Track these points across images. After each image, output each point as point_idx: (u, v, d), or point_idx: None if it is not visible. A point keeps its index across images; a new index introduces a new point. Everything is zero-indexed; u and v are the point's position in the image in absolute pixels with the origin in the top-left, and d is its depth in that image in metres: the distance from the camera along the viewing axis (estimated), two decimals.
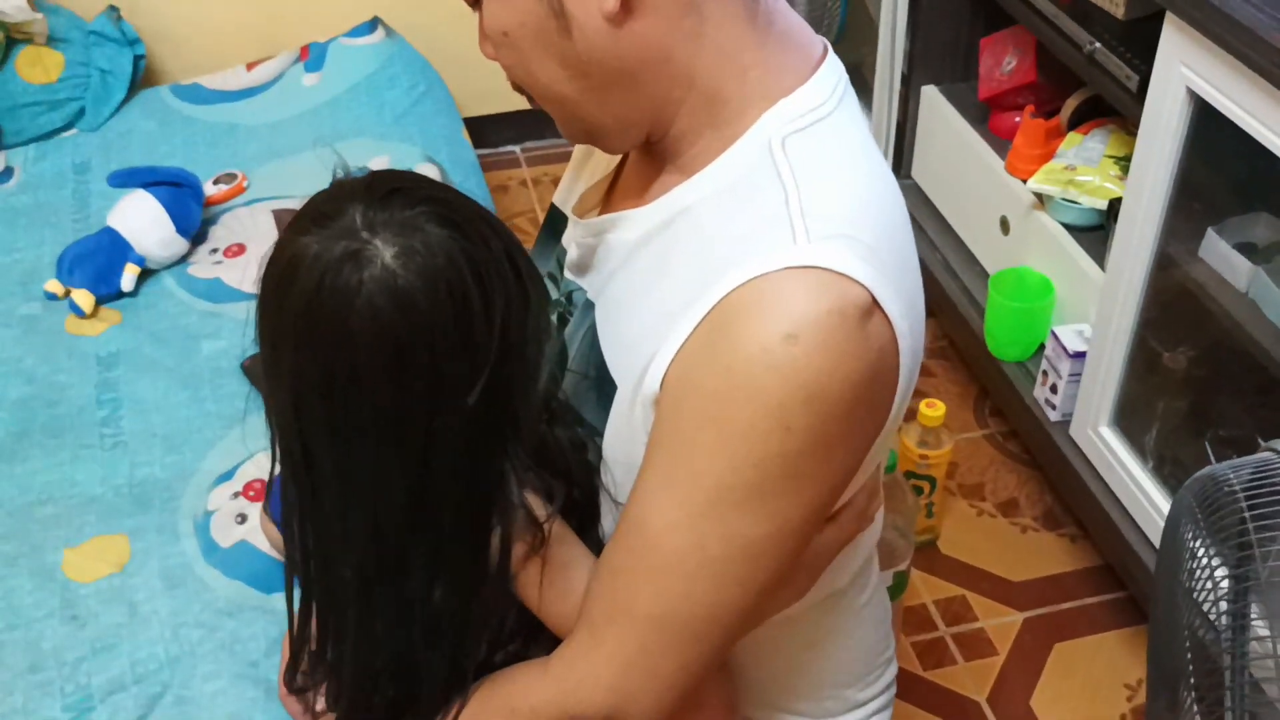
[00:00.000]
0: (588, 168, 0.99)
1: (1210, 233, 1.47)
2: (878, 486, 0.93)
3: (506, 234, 0.80)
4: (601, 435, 0.86)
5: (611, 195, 0.94)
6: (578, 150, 1.01)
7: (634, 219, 0.86)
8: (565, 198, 1.00)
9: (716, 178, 0.81)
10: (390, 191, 0.77)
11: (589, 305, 0.90)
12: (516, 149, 2.85)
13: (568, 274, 0.94)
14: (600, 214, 0.92)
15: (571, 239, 0.93)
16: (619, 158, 0.94)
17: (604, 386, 0.86)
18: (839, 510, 0.87)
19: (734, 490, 0.76)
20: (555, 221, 1.00)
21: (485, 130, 2.72)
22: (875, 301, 0.74)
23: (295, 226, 0.77)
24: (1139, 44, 1.53)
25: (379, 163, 2.08)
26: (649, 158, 0.86)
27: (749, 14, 0.79)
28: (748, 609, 0.82)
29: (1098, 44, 1.60)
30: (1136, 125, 1.48)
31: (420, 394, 0.75)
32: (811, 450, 0.75)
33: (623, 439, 0.83)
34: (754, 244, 0.76)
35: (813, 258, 0.73)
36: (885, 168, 0.84)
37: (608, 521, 0.89)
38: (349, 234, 0.74)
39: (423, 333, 0.74)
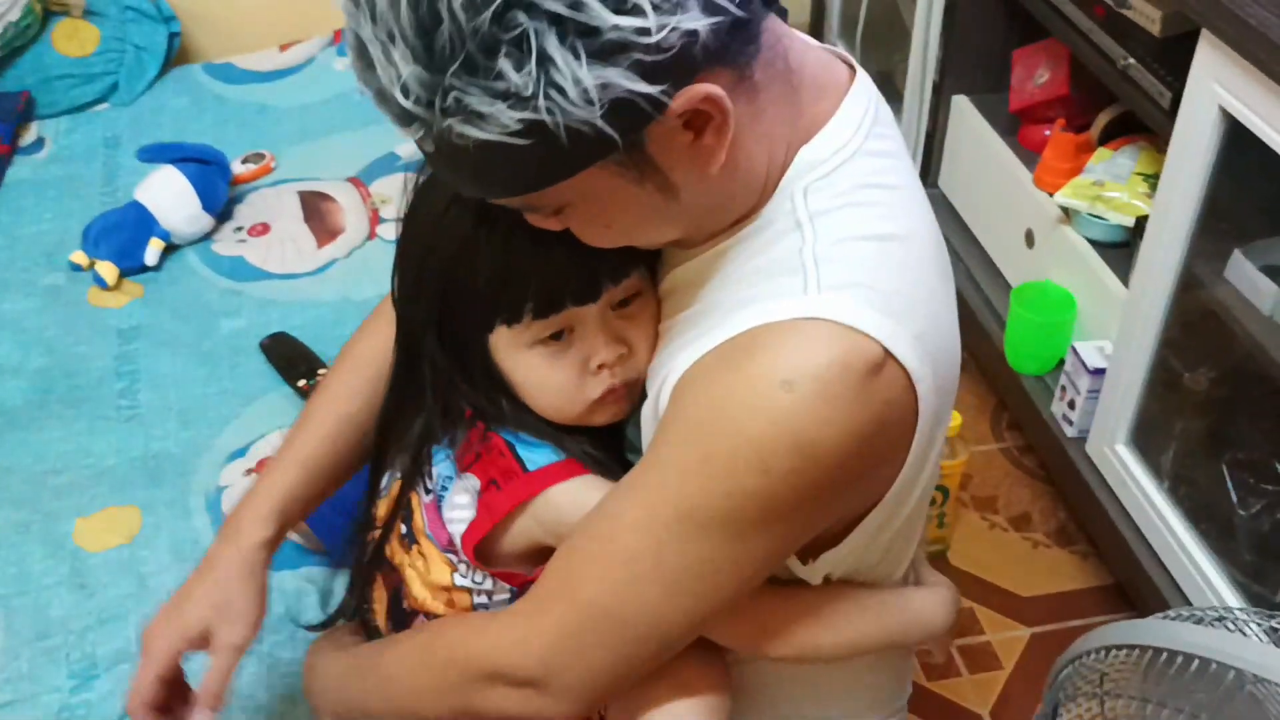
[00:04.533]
0: None
1: (1237, 254, 1.45)
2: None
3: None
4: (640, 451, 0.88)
5: None
6: None
7: (671, 254, 0.88)
8: None
9: (748, 225, 0.82)
10: None
11: None
12: None
13: None
14: None
15: None
16: None
17: (642, 406, 0.89)
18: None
19: (701, 512, 0.77)
20: None
21: None
22: (887, 352, 0.74)
23: None
24: (1173, 61, 1.52)
25: (406, 150, 2.09)
26: None
27: (790, 88, 0.79)
28: (694, 624, 0.83)
29: (1132, 59, 1.58)
30: (1167, 142, 1.47)
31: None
32: (789, 494, 0.75)
33: None
34: (767, 289, 0.77)
35: (821, 309, 0.74)
36: (916, 195, 0.83)
37: None
38: None
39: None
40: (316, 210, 2.04)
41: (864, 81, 0.84)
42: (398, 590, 1.03)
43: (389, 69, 0.67)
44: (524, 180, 0.72)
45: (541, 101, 0.65)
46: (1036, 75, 1.95)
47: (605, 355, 0.88)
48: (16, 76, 2.25)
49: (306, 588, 1.37)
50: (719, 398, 0.75)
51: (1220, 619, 0.92)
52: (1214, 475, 1.51)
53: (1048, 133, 1.91)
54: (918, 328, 0.76)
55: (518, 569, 0.95)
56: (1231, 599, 1.43)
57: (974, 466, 1.98)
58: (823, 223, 0.78)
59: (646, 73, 0.66)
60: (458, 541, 0.94)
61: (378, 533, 1.05)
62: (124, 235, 1.89)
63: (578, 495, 0.89)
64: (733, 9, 0.69)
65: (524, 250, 0.84)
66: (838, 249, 0.77)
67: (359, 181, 2.09)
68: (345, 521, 1.13)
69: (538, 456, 0.91)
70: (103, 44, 2.29)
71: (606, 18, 0.64)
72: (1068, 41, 1.76)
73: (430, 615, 1.00)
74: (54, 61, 2.26)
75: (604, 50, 0.65)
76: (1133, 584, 1.64)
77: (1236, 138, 1.35)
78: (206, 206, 1.95)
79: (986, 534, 1.90)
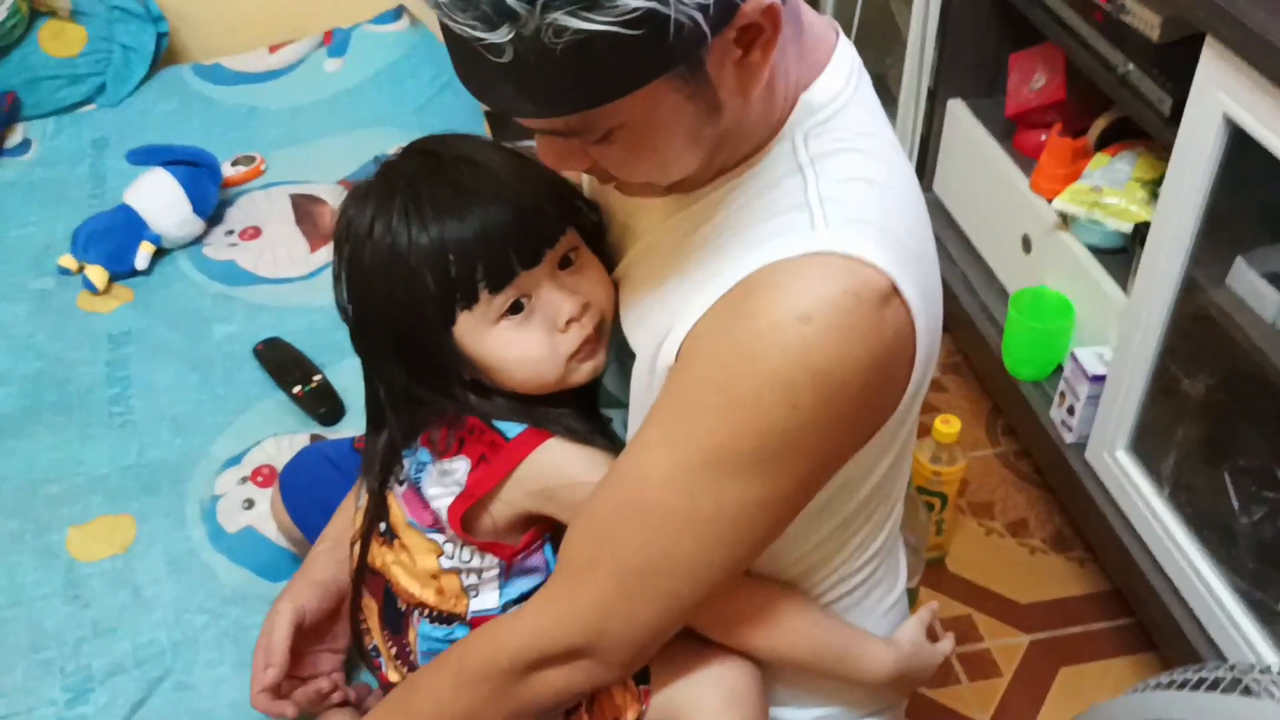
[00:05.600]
0: None
1: (1239, 261, 1.45)
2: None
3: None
4: (624, 406, 0.90)
5: None
6: None
7: (663, 205, 0.89)
8: (594, 186, 1.01)
9: (750, 168, 0.84)
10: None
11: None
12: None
13: None
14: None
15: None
16: None
17: (624, 359, 0.90)
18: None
19: (733, 455, 0.78)
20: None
21: (504, 122, 2.70)
22: (894, 286, 0.77)
23: None
24: (1172, 67, 1.52)
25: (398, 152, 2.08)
26: None
27: (798, 28, 0.82)
28: (730, 569, 0.84)
29: (1131, 65, 1.58)
30: (1166, 149, 1.47)
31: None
32: (815, 426, 0.77)
33: (642, 408, 0.86)
34: (775, 229, 0.79)
35: (832, 243, 0.76)
36: (898, 152, 0.87)
37: None
38: None
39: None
40: (308, 213, 2.02)
41: (845, 40, 0.88)
42: (388, 593, 1.04)
43: None
44: (600, 89, 0.71)
45: None
46: (1033, 80, 1.94)
47: (570, 309, 0.92)
48: (2, 77, 2.21)
49: None
50: (738, 340, 0.76)
51: (1201, 683, 0.92)
52: (1215, 482, 1.51)
53: (1044, 138, 1.91)
54: (913, 266, 0.79)
55: (505, 540, 0.97)
56: (1234, 607, 1.43)
57: (970, 472, 1.98)
58: (823, 165, 0.80)
59: None
60: (443, 516, 0.96)
61: (358, 546, 1.06)
62: (114, 239, 1.87)
63: (555, 455, 0.93)
64: None
65: (459, 236, 0.88)
66: (840, 189, 0.79)
67: (350, 184, 2.07)
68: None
69: (514, 426, 0.95)
70: (90, 44, 2.27)
71: None
72: (1065, 47, 1.76)
73: (424, 606, 1.01)
74: (40, 62, 2.23)
75: None
76: (1132, 590, 1.64)
77: (1240, 145, 1.35)
78: (197, 210, 1.92)
79: (983, 540, 1.90)
